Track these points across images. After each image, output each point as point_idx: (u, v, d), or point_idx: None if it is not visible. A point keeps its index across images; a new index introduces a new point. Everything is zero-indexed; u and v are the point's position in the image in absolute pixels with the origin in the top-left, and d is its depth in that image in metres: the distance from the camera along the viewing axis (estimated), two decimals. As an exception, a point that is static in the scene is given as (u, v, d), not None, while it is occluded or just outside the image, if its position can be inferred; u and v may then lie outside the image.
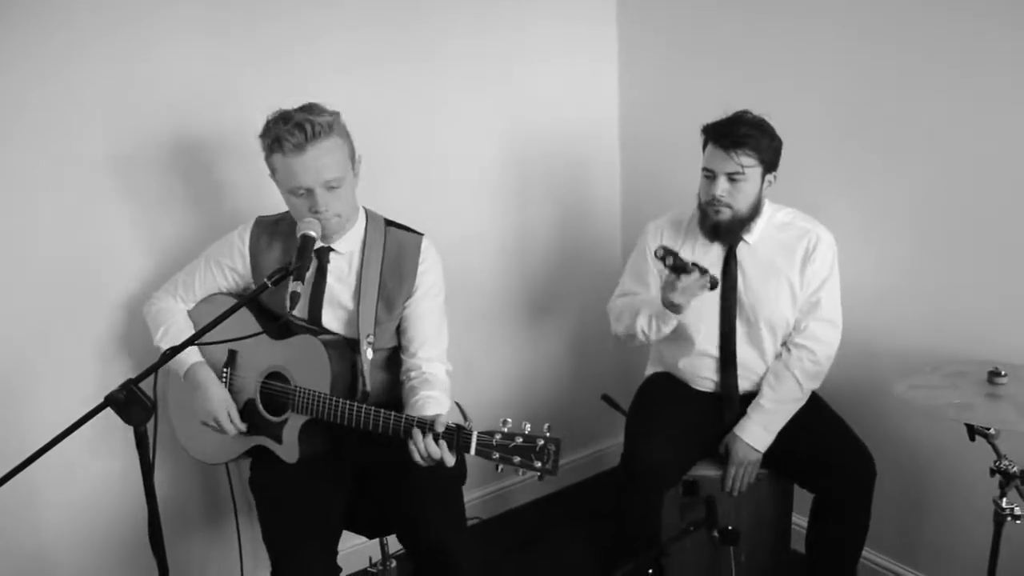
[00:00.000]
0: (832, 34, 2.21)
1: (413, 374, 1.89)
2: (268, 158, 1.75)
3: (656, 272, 2.19)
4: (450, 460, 1.61)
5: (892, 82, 2.10)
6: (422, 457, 1.62)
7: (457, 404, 1.72)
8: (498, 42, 2.59)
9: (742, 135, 1.95)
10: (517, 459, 1.52)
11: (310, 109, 1.72)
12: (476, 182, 2.66)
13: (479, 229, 2.70)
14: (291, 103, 1.74)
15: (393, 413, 1.67)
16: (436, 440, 1.60)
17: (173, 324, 1.92)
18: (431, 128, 2.50)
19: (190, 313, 1.97)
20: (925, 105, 2.04)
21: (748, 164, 1.97)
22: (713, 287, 1.92)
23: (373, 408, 1.69)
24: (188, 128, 2.09)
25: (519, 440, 1.52)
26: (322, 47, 2.24)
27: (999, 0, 1.86)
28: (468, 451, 1.57)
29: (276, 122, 1.70)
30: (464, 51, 2.52)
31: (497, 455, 1.53)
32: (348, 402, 1.72)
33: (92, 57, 1.93)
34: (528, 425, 1.54)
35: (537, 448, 1.51)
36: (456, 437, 1.59)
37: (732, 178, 1.99)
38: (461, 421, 1.63)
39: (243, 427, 1.86)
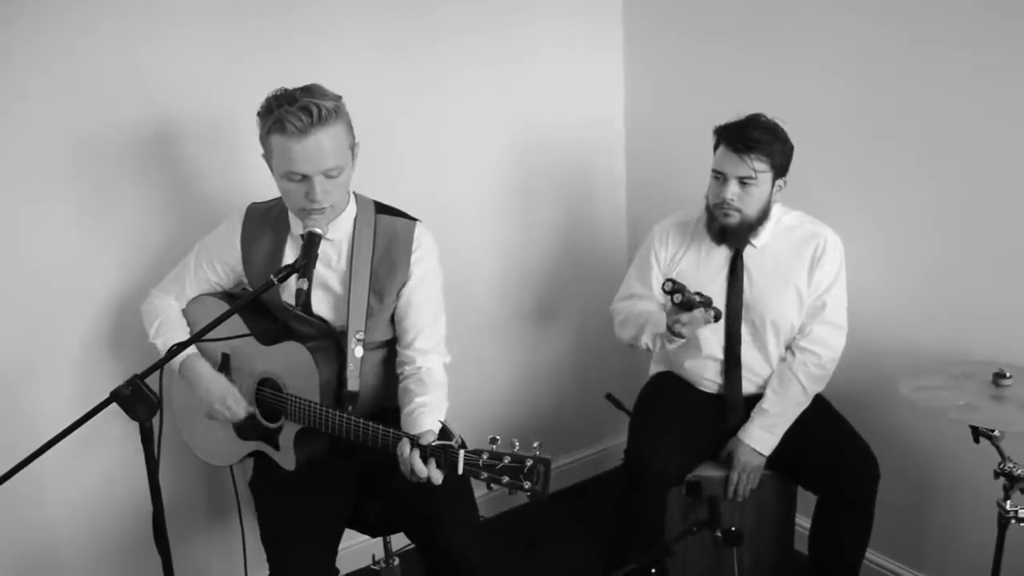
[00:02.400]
0: (842, 32, 2.20)
1: (408, 369, 1.84)
2: (264, 138, 1.65)
3: (658, 275, 2.20)
4: (437, 478, 1.53)
5: (900, 83, 2.09)
6: (408, 474, 1.57)
7: (442, 423, 1.66)
8: (502, 39, 2.59)
9: (756, 139, 1.93)
10: (506, 479, 1.44)
11: (312, 92, 1.62)
12: (480, 182, 2.66)
13: (483, 228, 2.70)
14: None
15: (381, 427, 1.62)
16: (425, 459, 1.55)
17: (166, 319, 1.90)
18: (433, 126, 2.50)
19: (184, 312, 1.94)
20: (934, 106, 2.03)
21: (760, 169, 1.95)
22: (717, 319, 1.92)
23: (362, 421, 1.65)
24: (185, 122, 2.08)
25: (507, 460, 1.44)
26: (322, 42, 2.23)
27: (1014, 1, 1.85)
28: (456, 470, 1.51)
29: (279, 102, 1.60)
30: (468, 48, 2.51)
31: (485, 475, 1.46)
32: (338, 413, 1.68)
33: (87, 50, 1.91)
34: (517, 443, 1.46)
35: (526, 469, 1.43)
36: (443, 457, 1.53)
37: (743, 182, 1.97)
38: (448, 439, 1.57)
39: (251, 408, 1.83)
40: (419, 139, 2.47)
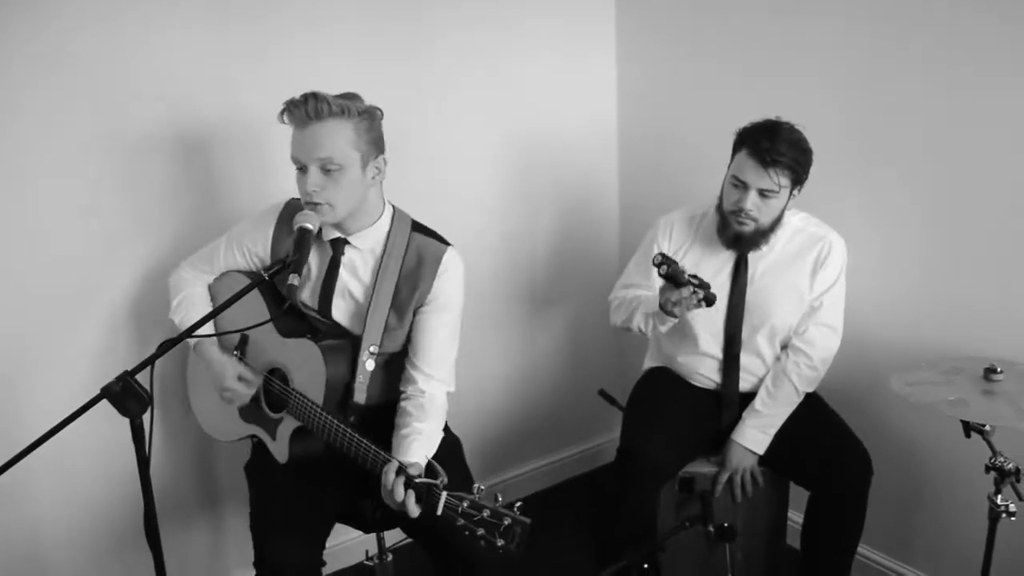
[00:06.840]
0: (835, 32, 2.20)
1: (412, 390, 1.82)
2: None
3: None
4: (414, 512, 1.53)
5: (894, 82, 2.09)
6: (385, 497, 1.57)
7: (432, 461, 1.63)
8: (496, 39, 2.58)
9: (783, 153, 1.88)
10: (480, 531, 1.44)
11: (325, 93, 1.66)
12: (474, 180, 2.66)
13: (477, 225, 2.69)
14: (288, 95, 1.72)
15: (373, 446, 1.63)
16: (406, 487, 1.54)
17: (188, 296, 1.92)
18: (427, 125, 2.49)
19: (210, 287, 1.96)
20: (929, 103, 2.04)
21: (784, 184, 1.92)
22: (710, 304, 1.86)
23: (356, 435, 1.65)
24: (188, 121, 2.08)
25: (486, 513, 1.44)
26: (320, 43, 2.23)
27: (1010, 2, 1.85)
28: (435, 511, 1.50)
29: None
30: (462, 49, 2.51)
31: (462, 522, 1.46)
32: (336, 422, 1.67)
33: (90, 49, 1.91)
34: (500, 496, 1.47)
35: (502, 527, 1.42)
36: (426, 494, 1.52)
37: (764, 194, 1.94)
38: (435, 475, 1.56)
39: (257, 380, 1.83)
40: (412, 139, 2.45)
